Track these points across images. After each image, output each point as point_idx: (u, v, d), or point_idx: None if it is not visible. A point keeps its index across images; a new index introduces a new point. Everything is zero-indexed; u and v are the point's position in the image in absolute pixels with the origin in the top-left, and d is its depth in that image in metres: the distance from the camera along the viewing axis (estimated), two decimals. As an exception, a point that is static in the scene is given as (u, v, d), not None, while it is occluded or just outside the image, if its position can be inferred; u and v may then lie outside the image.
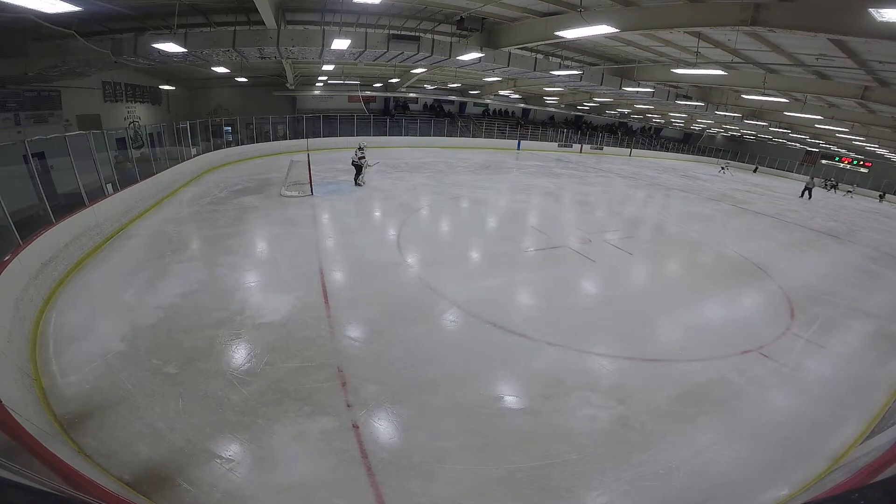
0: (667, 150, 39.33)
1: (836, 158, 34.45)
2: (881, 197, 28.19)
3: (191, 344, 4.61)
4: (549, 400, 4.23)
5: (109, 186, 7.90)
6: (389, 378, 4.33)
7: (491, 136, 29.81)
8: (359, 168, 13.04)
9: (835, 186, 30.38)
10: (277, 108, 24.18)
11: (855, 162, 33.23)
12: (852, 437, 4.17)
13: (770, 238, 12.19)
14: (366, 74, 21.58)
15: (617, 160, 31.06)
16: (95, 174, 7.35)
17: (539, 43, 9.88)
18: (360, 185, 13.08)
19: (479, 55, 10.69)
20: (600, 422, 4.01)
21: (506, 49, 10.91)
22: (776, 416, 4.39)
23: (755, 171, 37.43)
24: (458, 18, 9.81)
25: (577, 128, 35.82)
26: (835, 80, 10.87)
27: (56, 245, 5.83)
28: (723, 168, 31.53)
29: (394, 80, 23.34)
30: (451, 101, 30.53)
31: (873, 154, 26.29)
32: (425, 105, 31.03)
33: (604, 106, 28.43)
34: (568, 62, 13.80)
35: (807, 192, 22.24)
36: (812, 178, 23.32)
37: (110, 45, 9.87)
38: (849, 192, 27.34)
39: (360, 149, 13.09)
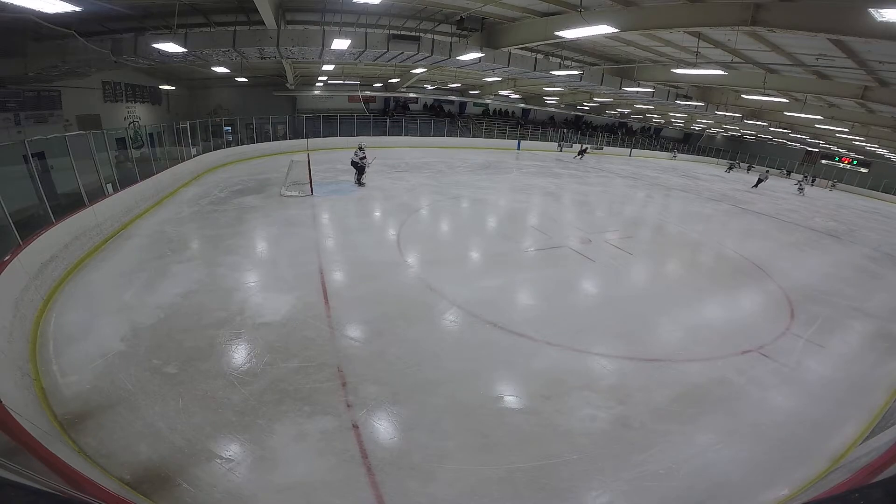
0: (667, 150, 39.31)
1: (836, 158, 34.45)
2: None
3: (191, 344, 4.61)
4: (549, 400, 4.23)
5: (109, 186, 7.90)
6: (389, 378, 4.33)
7: (491, 136, 29.79)
8: (360, 168, 13.06)
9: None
10: (277, 108, 24.18)
11: (855, 162, 33.25)
12: (852, 437, 4.17)
13: (770, 238, 12.19)
14: (366, 74, 21.57)
15: (617, 160, 31.06)
16: (95, 174, 7.35)
17: (539, 43, 9.86)
18: (362, 184, 13.10)
19: (479, 55, 10.68)
20: (600, 422, 4.01)
21: (506, 49, 10.91)
22: (776, 416, 4.39)
23: (766, 172, 35.56)
24: (458, 18, 9.81)
25: (576, 128, 35.81)
26: (835, 80, 10.87)
27: (56, 245, 5.83)
28: (733, 167, 33.72)
29: (394, 80, 23.33)
30: (451, 101, 30.51)
31: (873, 154, 26.29)
32: (425, 105, 31.02)
33: (604, 106, 28.41)
34: (568, 62, 13.79)
35: (759, 183, 24.16)
36: (767, 171, 25.06)
37: (110, 45, 9.85)
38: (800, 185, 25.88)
39: (360, 149, 13.11)
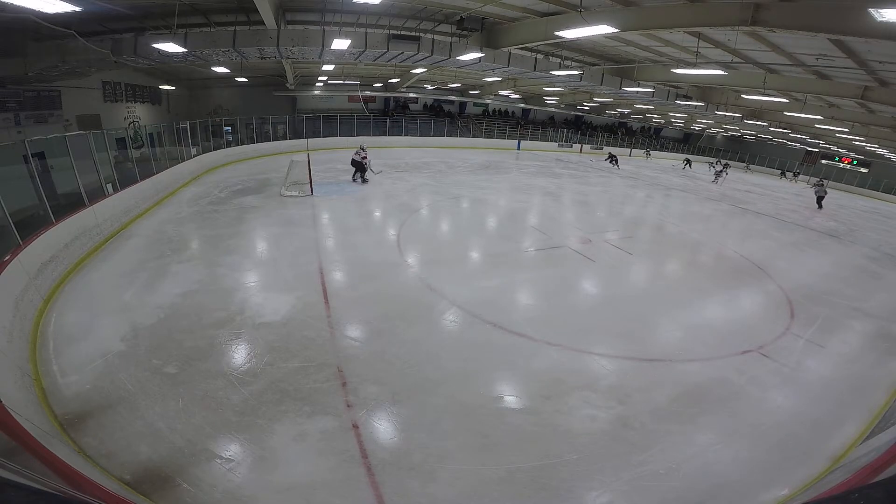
0: (666, 149, 39.30)
1: (836, 158, 34.50)
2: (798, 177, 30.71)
3: (191, 344, 4.60)
4: (549, 400, 4.23)
5: (109, 186, 7.90)
6: (389, 378, 4.32)
7: (491, 136, 29.81)
8: (360, 166, 13.12)
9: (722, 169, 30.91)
10: (277, 108, 24.20)
11: (855, 162, 33.29)
12: (852, 437, 4.16)
13: (770, 238, 12.19)
14: (366, 74, 21.59)
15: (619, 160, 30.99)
16: (95, 174, 7.35)
17: (539, 43, 9.88)
18: (363, 181, 13.27)
19: (479, 55, 10.69)
20: (600, 422, 4.00)
21: (506, 49, 10.92)
22: (776, 415, 4.39)
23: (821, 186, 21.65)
24: (458, 18, 9.82)
25: (576, 128, 35.81)
26: (835, 80, 10.88)
27: (56, 245, 5.83)
28: (690, 161, 31.66)
29: (394, 80, 23.35)
30: (451, 101, 30.53)
31: (873, 154, 26.31)
32: (425, 105, 31.04)
33: (604, 106, 28.44)
34: (568, 62, 13.81)
35: (687, 165, 24.85)
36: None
37: (110, 45, 9.87)
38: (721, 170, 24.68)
39: (361, 149, 13.25)
